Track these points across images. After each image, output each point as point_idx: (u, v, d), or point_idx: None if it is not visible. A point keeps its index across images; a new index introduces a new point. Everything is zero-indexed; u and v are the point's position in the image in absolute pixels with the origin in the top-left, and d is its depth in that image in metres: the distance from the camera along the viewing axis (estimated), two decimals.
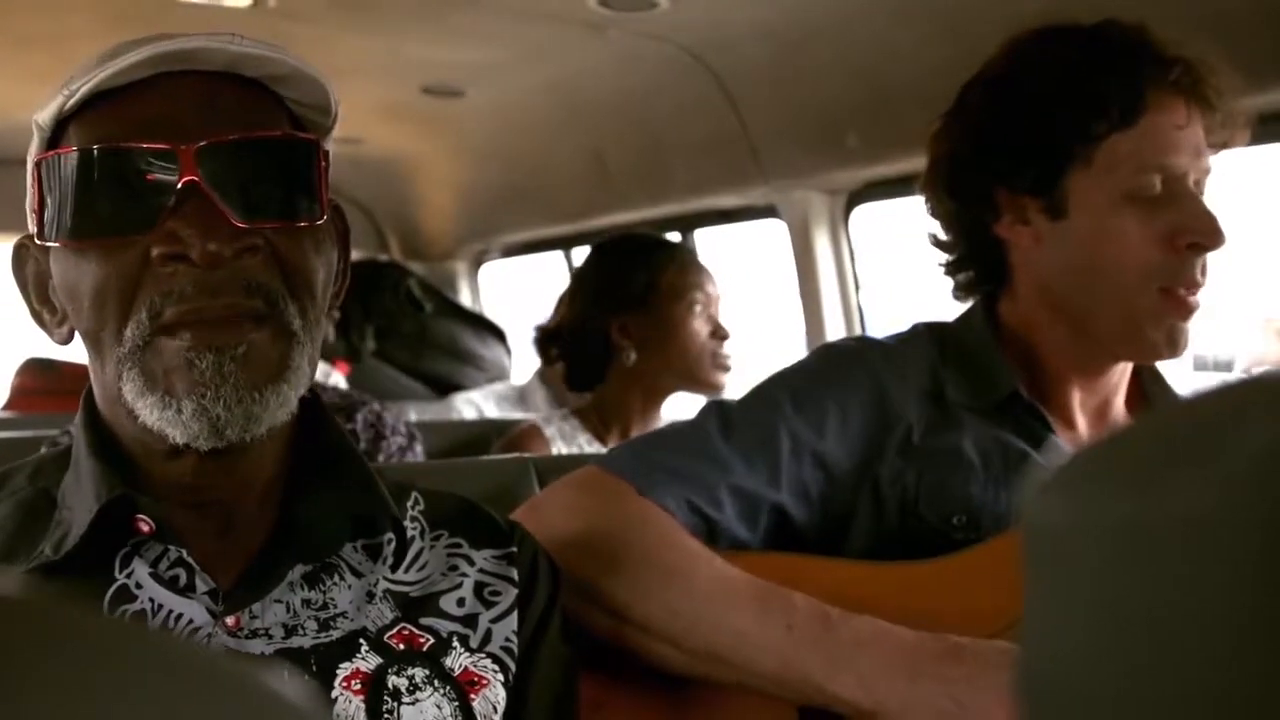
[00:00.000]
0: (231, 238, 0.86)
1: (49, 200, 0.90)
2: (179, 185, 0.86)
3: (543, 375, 3.01)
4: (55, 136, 0.92)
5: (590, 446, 2.31)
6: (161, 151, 0.87)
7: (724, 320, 2.34)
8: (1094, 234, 1.27)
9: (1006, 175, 1.30)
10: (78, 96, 0.89)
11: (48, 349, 3.68)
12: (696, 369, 2.31)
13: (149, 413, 0.88)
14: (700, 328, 2.30)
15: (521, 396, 3.06)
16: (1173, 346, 1.27)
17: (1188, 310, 1.26)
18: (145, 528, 0.91)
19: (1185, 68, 1.25)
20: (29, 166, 0.93)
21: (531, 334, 2.50)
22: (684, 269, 2.33)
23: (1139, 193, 1.25)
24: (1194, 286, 1.25)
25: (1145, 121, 1.24)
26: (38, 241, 0.92)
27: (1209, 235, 1.24)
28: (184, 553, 0.91)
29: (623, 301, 2.31)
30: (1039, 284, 1.32)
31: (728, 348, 2.32)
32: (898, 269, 3.06)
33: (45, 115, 0.91)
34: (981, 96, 1.32)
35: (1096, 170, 1.25)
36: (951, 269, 1.40)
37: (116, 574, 0.91)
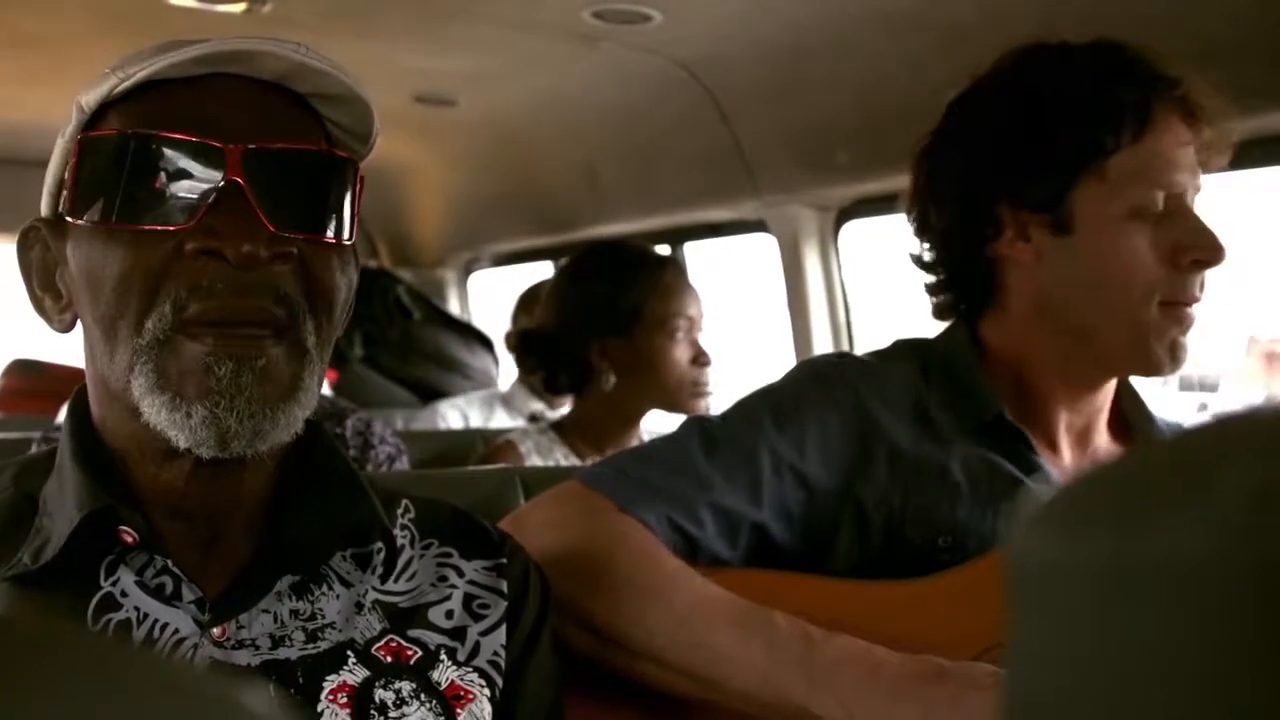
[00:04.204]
0: (268, 242, 0.86)
1: (85, 180, 0.90)
2: (221, 183, 0.86)
3: (525, 380, 3.01)
4: (95, 120, 0.92)
5: (567, 461, 2.28)
6: (209, 148, 0.87)
7: (706, 342, 2.28)
8: (1100, 250, 1.27)
9: (1013, 191, 1.29)
10: (131, 81, 0.89)
11: (34, 351, 3.66)
12: (675, 397, 2.27)
13: (156, 412, 0.87)
14: (681, 355, 2.25)
15: (505, 401, 3.06)
16: (1174, 360, 1.28)
17: (1188, 323, 1.27)
18: (129, 539, 0.90)
19: (1187, 85, 1.26)
20: (60, 145, 0.93)
21: (506, 337, 2.44)
22: (669, 293, 2.25)
23: (1143, 209, 1.25)
24: (1193, 301, 1.27)
25: (1152, 137, 1.25)
26: (69, 220, 0.91)
27: (1212, 252, 1.25)
28: (169, 562, 0.90)
29: (605, 324, 2.24)
30: (1036, 302, 1.32)
31: (709, 373, 2.26)
32: (887, 285, 3.07)
33: (91, 97, 0.91)
34: (984, 111, 1.32)
35: (1105, 186, 1.26)
36: (935, 289, 1.40)
37: (101, 582, 0.90)
